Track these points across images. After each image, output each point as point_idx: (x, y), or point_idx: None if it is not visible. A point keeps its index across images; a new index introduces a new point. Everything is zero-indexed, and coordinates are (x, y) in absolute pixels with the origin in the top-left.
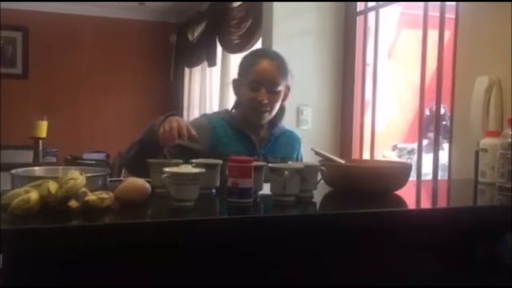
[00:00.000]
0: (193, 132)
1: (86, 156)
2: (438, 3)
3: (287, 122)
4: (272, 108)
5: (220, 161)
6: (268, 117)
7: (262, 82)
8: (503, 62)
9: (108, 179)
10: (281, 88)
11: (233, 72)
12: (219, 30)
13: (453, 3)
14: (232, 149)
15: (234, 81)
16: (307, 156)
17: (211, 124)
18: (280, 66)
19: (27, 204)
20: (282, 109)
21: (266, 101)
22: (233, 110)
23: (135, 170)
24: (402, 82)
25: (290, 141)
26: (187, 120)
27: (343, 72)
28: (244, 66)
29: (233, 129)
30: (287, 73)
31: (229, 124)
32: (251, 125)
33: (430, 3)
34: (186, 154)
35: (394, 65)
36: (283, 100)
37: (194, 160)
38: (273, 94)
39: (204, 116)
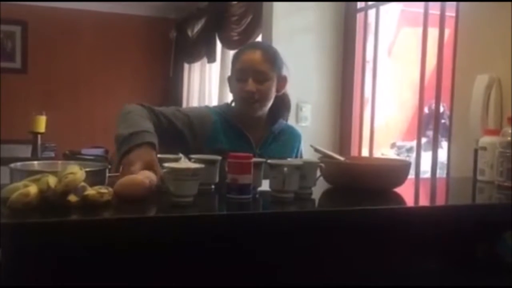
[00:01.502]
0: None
1: (84, 151)
2: (439, 1)
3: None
4: (262, 98)
5: (219, 157)
6: (259, 108)
7: (248, 71)
8: (503, 61)
9: (107, 174)
10: (270, 77)
11: None
12: (219, 27)
13: (453, 2)
14: (228, 148)
15: (228, 78)
16: (305, 152)
17: (213, 118)
18: (266, 55)
19: (26, 198)
20: (283, 102)
21: (254, 90)
22: (233, 104)
23: None
24: (402, 80)
25: (290, 139)
26: (188, 107)
27: (343, 69)
28: (233, 60)
29: (231, 126)
30: (277, 62)
31: (228, 121)
32: (248, 121)
33: (430, 2)
34: (178, 140)
35: (394, 63)
36: (278, 91)
37: (193, 156)
38: (262, 83)
39: (207, 107)
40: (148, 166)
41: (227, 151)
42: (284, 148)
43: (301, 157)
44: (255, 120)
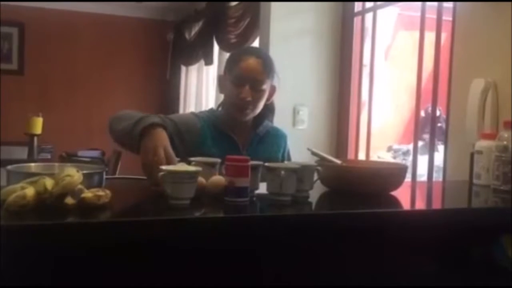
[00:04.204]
0: (174, 160)
1: (81, 153)
2: (436, 5)
3: (283, 122)
4: (255, 106)
5: (219, 160)
6: (250, 114)
7: (246, 79)
8: (500, 65)
9: (105, 176)
10: (265, 87)
11: None
12: (216, 29)
13: (450, 5)
14: (215, 151)
15: (220, 78)
16: (302, 155)
17: (200, 124)
18: (265, 65)
19: (23, 200)
20: (269, 109)
21: (249, 99)
22: (219, 109)
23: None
24: (399, 83)
25: (275, 140)
26: (173, 114)
27: (340, 72)
28: (230, 63)
29: (217, 130)
30: (272, 72)
31: (214, 125)
32: (235, 124)
33: (427, 5)
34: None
35: (390, 66)
36: (267, 99)
37: (193, 159)
38: (257, 92)
39: (193, 113)
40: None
41: (215, 155)
42: (270, 149)
43: (287, 157)
44: (241, 124)
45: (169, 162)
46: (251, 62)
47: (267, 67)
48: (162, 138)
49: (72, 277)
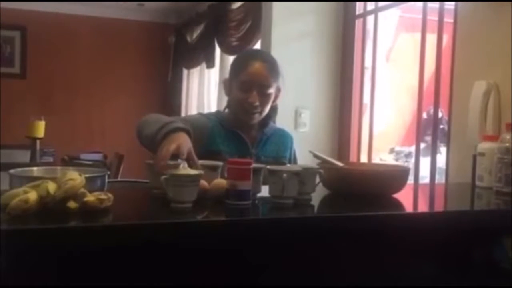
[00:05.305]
0: (196, 161)
1: (83, 156)
2: (437, 7)
3: (285, 124)
4: (263, 109)
5: (221, 163)
6: (258, 118)
7: (254, 84)
8: (501, 67)
9: (107, 180)
10: (271, 90)
11: None
12: (218, 32)
13: (452, 7)
14: (225, 149)
15: (225, 81)
16: (304, 158)
17: (208, 123)
18: (272, 68)
19: (26, 205)
20: (273, 110)
21: (257, 103)
22: (226, 111)
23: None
24: (400, 85)
25: (282, 140)
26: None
27: (342, 75)
28: (236, 67)
29: (226, 129)
30: (278, 75)
31: (222, 124)
32: (243, 125)
33: (428, 7)
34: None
35: (392, 69)
36: (273, 101)
37: None
38: (264, 96)
39: (200, 114)
40: (178, 148)
41: (224, 152)
42: (278, 148)
43: (294, 157)
44: (248, 124)
45: (190, 161)
46: (258, 67)
47: (272, 71)
48: (182, 138)
49: (74, 281)
